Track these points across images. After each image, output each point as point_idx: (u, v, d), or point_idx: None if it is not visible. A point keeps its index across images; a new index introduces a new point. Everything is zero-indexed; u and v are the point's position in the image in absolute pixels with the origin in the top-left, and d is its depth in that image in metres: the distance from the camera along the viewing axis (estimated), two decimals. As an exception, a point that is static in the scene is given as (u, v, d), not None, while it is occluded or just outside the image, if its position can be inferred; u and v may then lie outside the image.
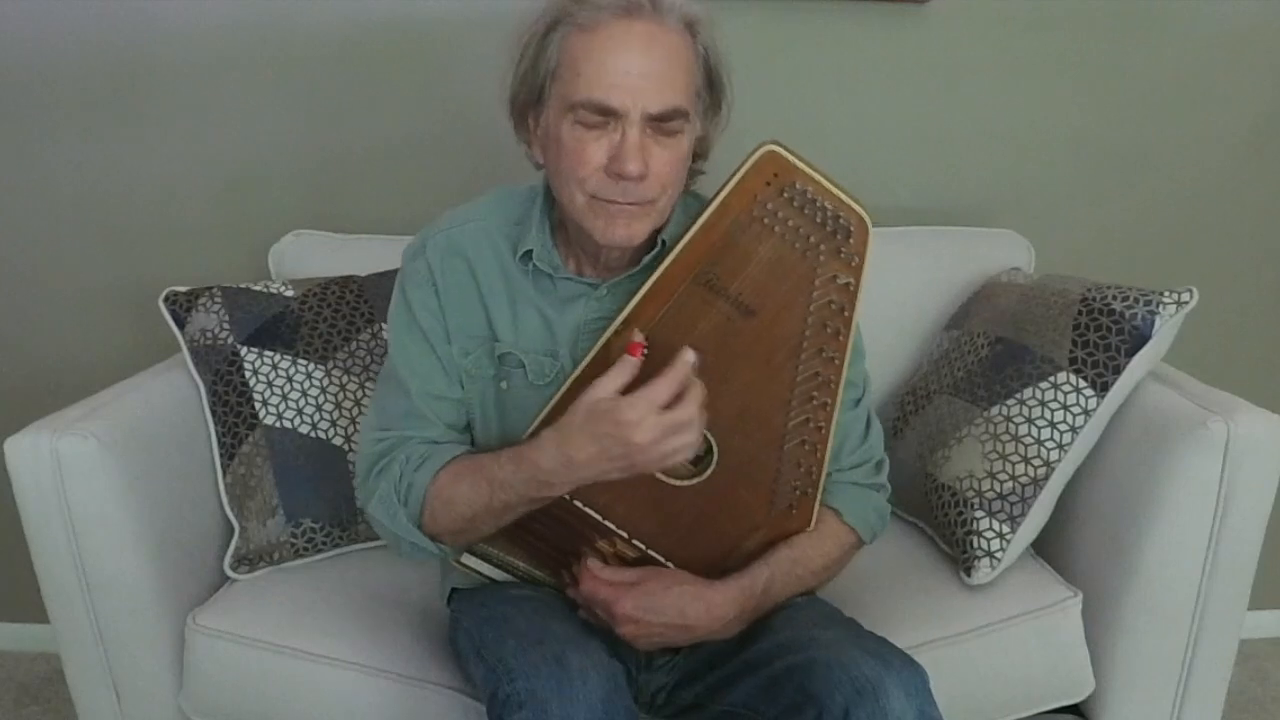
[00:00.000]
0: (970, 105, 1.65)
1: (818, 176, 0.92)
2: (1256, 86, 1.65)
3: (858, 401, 1.11)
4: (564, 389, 1.00)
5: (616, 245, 0.99)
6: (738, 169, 0.92)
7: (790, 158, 0.91)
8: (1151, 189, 1.70)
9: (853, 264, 0.94)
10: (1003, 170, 1.68)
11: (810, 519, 1.07)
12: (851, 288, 0.95)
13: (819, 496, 1.06)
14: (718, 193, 0.94)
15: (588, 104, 0.92)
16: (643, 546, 1.06)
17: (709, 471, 1.02)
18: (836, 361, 0.98)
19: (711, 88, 1.01)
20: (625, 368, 0.92)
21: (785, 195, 0.92)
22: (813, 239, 0.93)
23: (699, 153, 1.03)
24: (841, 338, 0.97)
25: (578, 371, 1.00)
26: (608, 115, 0.93)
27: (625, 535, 1.05)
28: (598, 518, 1.04)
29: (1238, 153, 1.68)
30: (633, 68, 0.92)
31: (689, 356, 0.90)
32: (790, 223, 0.93)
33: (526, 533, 1.07)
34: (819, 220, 0.93)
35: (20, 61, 1.60)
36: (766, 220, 0.93)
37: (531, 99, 0.99)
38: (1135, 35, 1.62)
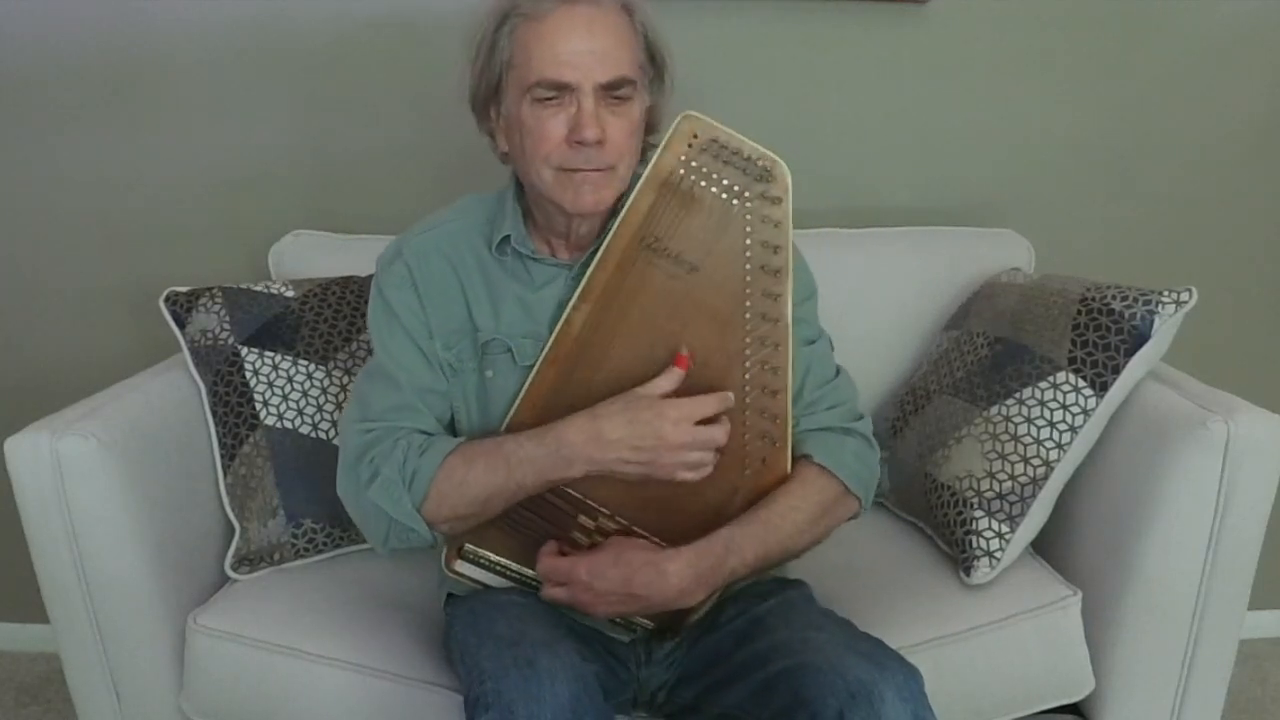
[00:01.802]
0: (970, 105, 1.65)
1: (734, 133, 1.02)
2: (1256, 86, 1.65)
3: (812, 341, 1.13)
4: (538, 365, 1.06)
5: (586, 213, 1.05)
6: (663, 139, 1.02)
7: (707, 119, 1.01)
8: (1151, 189, 1.70)
9: (780, 203, 1.03)
10: (1003, 170, 1.68)
11: (784, 471, 1.08)
12: (781, 225, 1.03)
13: (789, 444, 1.08)
14: (649, 162, 1.03)
15: (542, 81, 1.00)
16: (625, 522, 1.08)
17: None
18: (781, 298, 1.04)
19: (653, 62, 1.07)
20: (671, 377, 1.01)
21: (707, 151, 1.02)
22: (738, 186, 1.02)
23: (651, 125, 1.10)
24: (781, 274, 1.03)
25: (547, 349, 1.06)
26: (562, 90, 1.00)
27: (607, 512, 1.07)
28: (579, 496, 1.06)
29: (1237, 153, 1.68)
30: (580, 46, 1.00)
31: (730, 397, 1.02)
32: (715, 175, 1.02)
33: (513, 523, 1.08)
34: (741, 167, 1.02)
35: (20, 61, 1.60)
36: (694, 176, 1.02)
37: (490, 92, 1.06)
38: (1135, 35, 1.62)
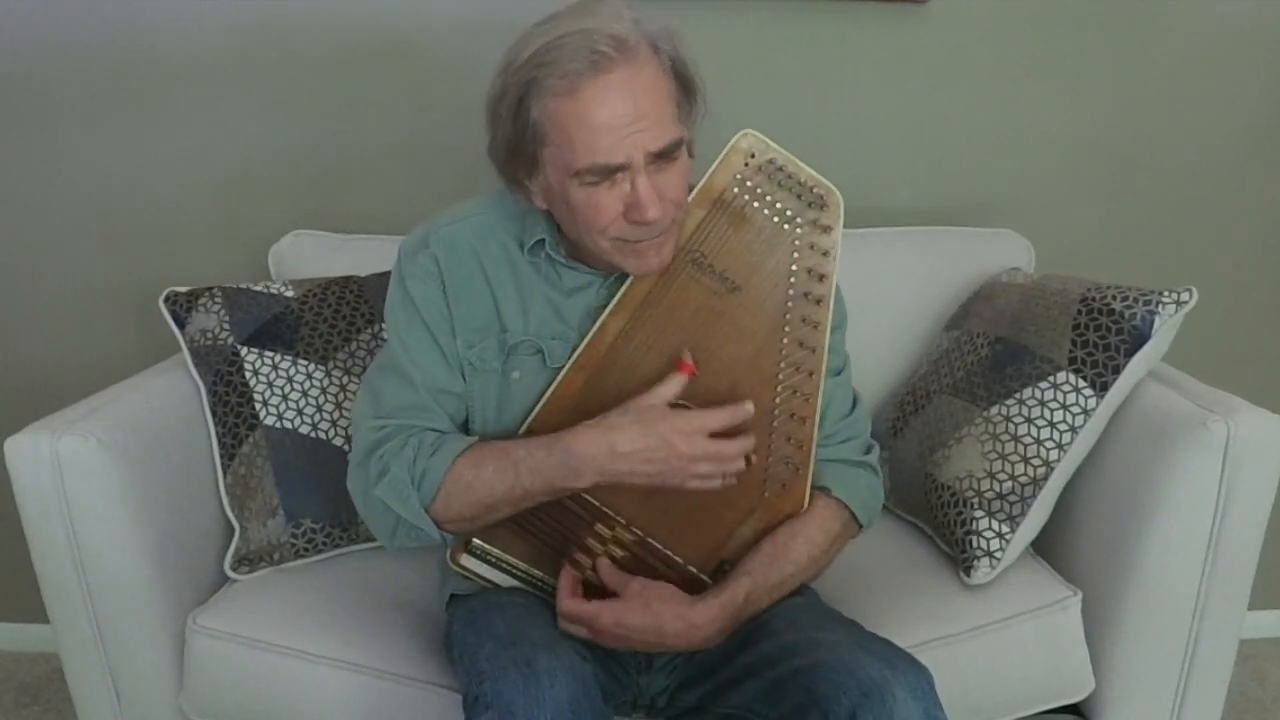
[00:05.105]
0: (970, 105, 1.65)
1: (791, 156, 1.01)
2: (1255, 87, 1.65)
3: (839, 372, 1.14)
4: (566, 369, 1.04)
5: (650, 274, 1.03)
6: (720, 155, 1.01)
7: (765, 139, 1.01)
8: (1151, 189, 1.70)
9: (830, 232, 1.02)
10: (1003, 170, 1.68)
11: (803, 497, 1.09)
12: (830, 254, 1.02)
13: (811, 471, 1.08)
14: (702, 177, 1.02)
15: (591, 169, 0.93)
16: (640, 533, 1.07)
17: None
18: (820, 327, 1.04)
19: (686, 93, 0.99)
20: (675, 382, 1.00)
21: (762, 172, 1.01)
22: (790, 211, 1.02)
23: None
24: (823, 303, 1.03)
25: (578, 354, 1.04)
26: (614, 172, 0.94)
27: (624, 522, 1.06)
28: (596, 504, 1.05)
29: (1237, 153, 1.68)
30: (623, 117, 0.91)
31: (749, 407, 0.99)
32: (769, 197, 1.01)
33: (526, 523, 1.07)
34: (795, 192, 1.01)
35: (20, 61, 1.60)
36: (747, 196, 1.01)
37: (526, 163, 0.99)
38: (1134, 35, 1.62)
